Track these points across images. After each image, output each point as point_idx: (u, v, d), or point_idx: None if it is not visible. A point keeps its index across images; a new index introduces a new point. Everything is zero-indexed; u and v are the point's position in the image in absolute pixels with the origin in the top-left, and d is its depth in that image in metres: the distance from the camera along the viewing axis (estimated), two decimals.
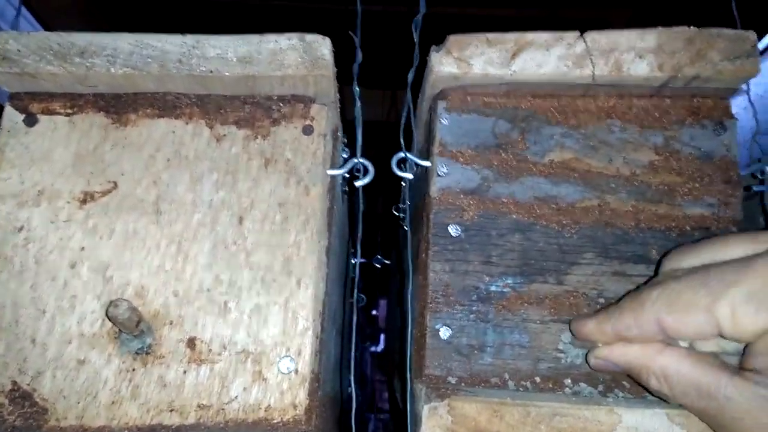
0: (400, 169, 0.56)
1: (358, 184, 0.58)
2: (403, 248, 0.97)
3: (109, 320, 0.48)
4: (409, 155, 0.56)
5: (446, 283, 0.54)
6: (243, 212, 0.54)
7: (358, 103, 0.59)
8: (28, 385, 0.49)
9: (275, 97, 0.57)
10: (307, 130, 0.57)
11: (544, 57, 0.54)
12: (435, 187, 0.55)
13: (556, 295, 0.54)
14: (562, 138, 0.57)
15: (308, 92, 0.57)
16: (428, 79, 0.56)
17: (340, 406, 0.81)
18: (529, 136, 0.57)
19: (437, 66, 0.54)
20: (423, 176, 0.72)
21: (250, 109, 0.57)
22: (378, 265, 1.40)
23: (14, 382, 0.49)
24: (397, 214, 0.92)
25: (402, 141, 0.56)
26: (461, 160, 0.56)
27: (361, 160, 0.59)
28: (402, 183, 0.89)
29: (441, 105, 0.57)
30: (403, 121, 0.56)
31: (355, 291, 0.63)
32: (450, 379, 0.52)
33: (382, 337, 2.88)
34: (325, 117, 0.58)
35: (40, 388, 0.49)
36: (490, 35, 0.55)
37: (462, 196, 0.55)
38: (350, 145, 0.65)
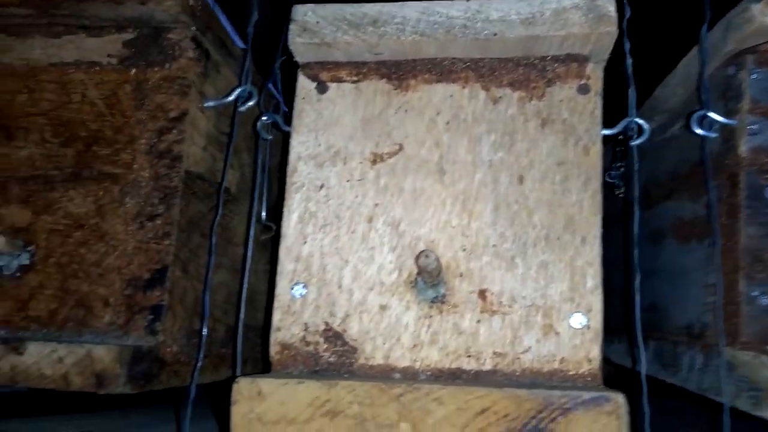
0: (701, 127, 0.54)
1: (633, 143, 0.58)
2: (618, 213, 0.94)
3: (418, 268, 0.52)
4: (711, 114, 0.54)
5: (761, 248, 0.51)
6: (522, 172, 0.56)
7: (629, 60, 0.58)
8: (339, 326, 0.55)
9: (549, 58, 0.58)
10: (583, 90, 0.57)
11: None
12: (745, 147, 0.53)
13: None
14: None
15: (584, 51, 0.57)
16: (737, 32, 0.53)
17: None
18: None
19: (760, 17, 0.51)
20: (675, 140, 0.69)
21: (524, 71, 0.58)
22: None
23: (326, 323, 0.56)
24: (611, 180, 0.89)
25: (704, 98, 0.54)
26: None
27: (637, 119, 0.58)
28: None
29: (750, 59, 0.53)
30: (703, 77, 0.54)
31: None
32: None
33: None
34: (600, 76, 0.57)
35: (349, 329, 0.55)
36: None
37: None
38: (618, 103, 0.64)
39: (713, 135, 0.53)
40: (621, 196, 0.88)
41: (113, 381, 0.51)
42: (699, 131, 0.54)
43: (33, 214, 0.61)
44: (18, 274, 0.59)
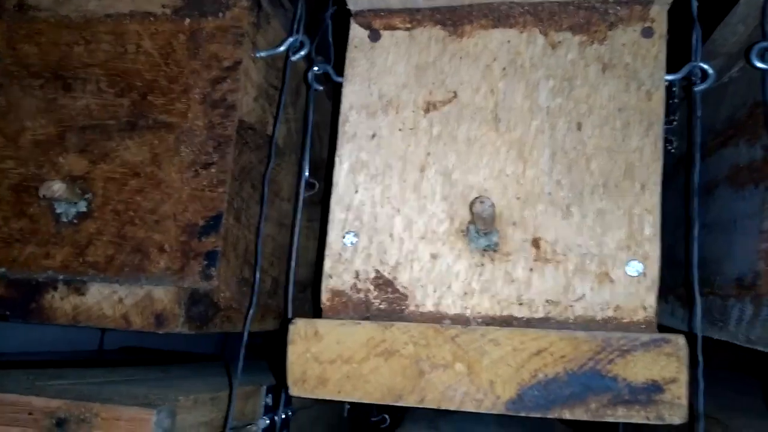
0: (763, 61, 0.51)
1: (697, 89, 0.56)
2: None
3: (473, 215, 0.51)
4: None
5: None
6: (581, 118, 0.55)
7: (695, 2, 0.56)
8: (389, 274, 0.55)
9: (611, 0, 0.56)
10: (647, 33, 0.55)
11: None
12: None
13: None
14: None
15: None
16: None
17: None
18: None
19: None
20: (733, 85, 0.66)
21: (585, 14, 0.56)
22: None
23: (377, 271, 0.56)
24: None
25: (766, 29, 0.51)
26: None
27: (701, 64, 0.55)
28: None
29: None
30: (765, 8, 0.51)
31: None
32: None
33: None
34: (665, 18, 0.55)
35: (400, 277, 0.55)
36: None
37: None
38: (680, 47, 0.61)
39: None
40: (673, 151, 0.85)
41: (172, 321, 0.52)
42: (760, 65, 0.51)
43: (90, 163, 0.62)
44: (76, 221, 0.61)
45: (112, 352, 1.37)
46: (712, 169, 0.69)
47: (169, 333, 0.55)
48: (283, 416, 0.69)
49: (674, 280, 0.74)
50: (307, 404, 0.77)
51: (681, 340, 0.43)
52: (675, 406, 0.42)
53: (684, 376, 0.43)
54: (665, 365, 0.42)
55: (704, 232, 0.70)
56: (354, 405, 0.96)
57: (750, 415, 0.61)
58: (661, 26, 0.55)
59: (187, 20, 0.62)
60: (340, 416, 0.95)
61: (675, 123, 0.86)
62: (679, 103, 0.79)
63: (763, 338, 0.52)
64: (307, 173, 0.77)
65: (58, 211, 0.61)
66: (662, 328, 0.82)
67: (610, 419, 0.42)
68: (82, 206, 0.61)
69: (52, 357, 1.09)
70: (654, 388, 0.43)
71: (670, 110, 0.85)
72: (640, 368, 0.43)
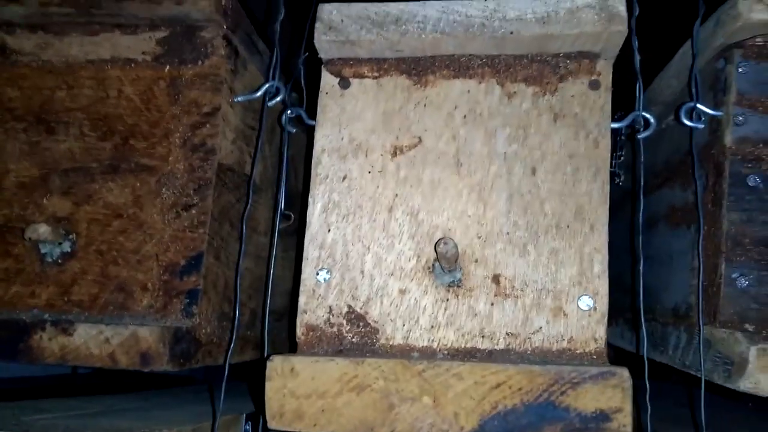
0: (690, 119, 0.57)
1: (641, 136, 0.61)
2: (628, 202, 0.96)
3: (437, 255, 0.56)
4: (700, 105, 0.57)
5: (742, 233, 0.55)
6: (535, 164, 0.59)
7: (638, 57, 0.61)
8: (361, 309, 0.59)
9: (562, 55, 0.61)
10: (594, 85, 0.60)
11: None
12: (731, 137, 0.56)
13: None
14: None
15: (595, 48, 0.60)
16: (725, 27, 0.56)
17: None
18: None
19: (746, 13, 0.54)
20: (669, 131, 0.72)
21: (538, 67, 0.61)
22: None
23: (349, 306, 0.59)
24: (611, 170, 0.92)
25: (693, 91, 0.57)
26: (760, 109, 0.56)
27: (644, 113, 0.61)
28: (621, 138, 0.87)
29: (737, 53, 0.57)
30: (694, 70, 0.57)
31: None
32: (747, 326, 0.54)
33: None
34: (610, 71, 0.60)
35: (371, 312, 0.59)
36: None
37: (761, 146, 0.56)
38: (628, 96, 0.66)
39: (700, 126, 0.57)
40: (620, 184, 0.90)
41: (157, 359, 0.55)
42: (687, 122, 0.57)
43: (74, 205, 0.64)
44: (60, 261, 0.63)
45: (86, 376, 1.38)
46: (653, 206, 0.75)
47: None
48: None
49: (622, 304, 0.79)
50: None
51: (625, 373, 0.48)
52: None
53: (628, 406, 0.47)
54: (612, 396, 0.47)
55: (647, 263, 0.75)
56: None
57: (681, 424, 0.67)
58: (606, 79, 0.60)
59: (167, 67, 0.65)
60: None
61: (622, 158, 0.92)
62: (626, 140, 0.85)
63: (695, 363, 0.57)
64: (282, 207, 0.81)
65: (43, 251, 0.63)
66: (612, 349, 0.87)
67: None
68: (67, 247, 0.64)
69: (29, 383, 1.10)
70: (602, 417, 0.47)
71: (617, 147, 0.91)
72: (589, 399, 0.47)
